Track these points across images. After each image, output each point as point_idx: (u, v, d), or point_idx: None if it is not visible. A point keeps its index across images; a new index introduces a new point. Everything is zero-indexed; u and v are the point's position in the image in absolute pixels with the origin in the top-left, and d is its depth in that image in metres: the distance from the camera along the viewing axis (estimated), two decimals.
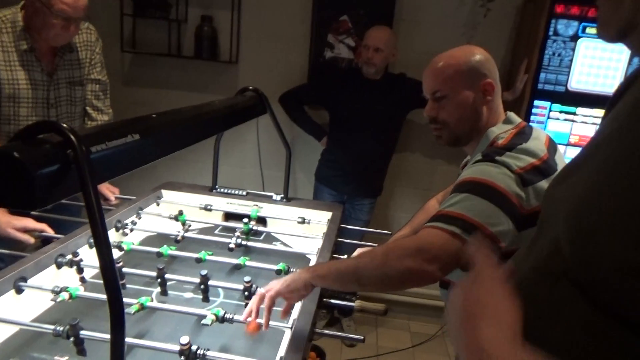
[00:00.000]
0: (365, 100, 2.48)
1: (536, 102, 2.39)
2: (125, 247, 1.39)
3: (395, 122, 2.60)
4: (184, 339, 0.88)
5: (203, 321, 1.00)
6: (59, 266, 1.25)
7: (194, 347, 0.88)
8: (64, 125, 0.67)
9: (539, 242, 0.63)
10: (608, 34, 0.62)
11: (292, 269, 1.32)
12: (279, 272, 1.31)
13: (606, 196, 0.50)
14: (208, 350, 0.90)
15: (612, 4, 0.59)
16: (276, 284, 1.05)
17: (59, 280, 1.24)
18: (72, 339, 0.91)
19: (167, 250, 1.37)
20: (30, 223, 1.47)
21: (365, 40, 2.43)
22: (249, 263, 1.35)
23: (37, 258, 1.21)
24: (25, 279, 1.14)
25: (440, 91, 1.19)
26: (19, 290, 1.13)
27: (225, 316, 1.02)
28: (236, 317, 1.03)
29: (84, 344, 0.93)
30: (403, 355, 2.72)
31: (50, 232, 1.48)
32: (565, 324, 0.54)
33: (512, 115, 1.23)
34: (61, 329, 0.92)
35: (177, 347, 0.88)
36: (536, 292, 0.58)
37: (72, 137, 0.66)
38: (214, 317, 1.01)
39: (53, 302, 1.13)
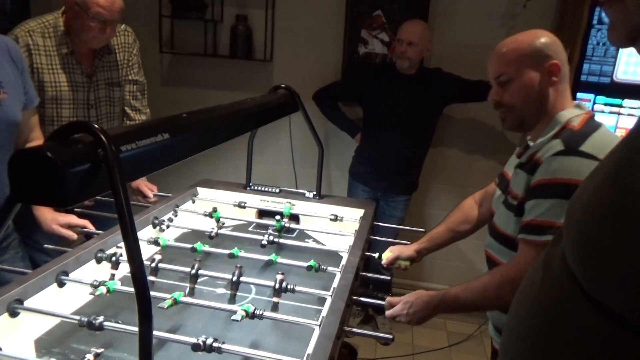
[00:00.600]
0: (400, 96, 2.45)
1: (579, 95, 2.29)
2: (161, 242, 1.42)
3: (431, 118, 2.56)
4: (196, 338, 0.91)
5: (233, 317, 1.01)
6: (98, 261, 1.30)
7: (209, 341, 0.90)
8: (95, 125, 0.70)
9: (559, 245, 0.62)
10: (617, 39, 0.63)
11: (322, 267, 1.32)
12: (309, 269, 1.31)
13: (604, 203, 0.50)
14: (223, 343, 0.92)
15: (619, 10, 0.60)
16: (404, 313, 1.21)
17: (99, 274, 1.29)
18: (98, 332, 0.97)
19: (201, 246, 1.40)
20: (73, 219, 1.53)
21: (399, 34, 2.40)
22: (280, 260, 1.35)
23: (78, 253, 1.26)
24: (66, 273, 1.19)
25: (505, 74, 1.18)
26: (61, 284, 1.18)
27: (255, 312, 1.03)
28: (266, 313, 1.04)
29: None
30: (439, 355, 2.67)
31: (91, 228, 1.53)
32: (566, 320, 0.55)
33: (581, 102, 1.21)
34: (85, 319, 0.98)
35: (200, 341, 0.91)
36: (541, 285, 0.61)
37: (102, 137, 0.68)
38: (243, 313, 1.02)
39: (92, 296, 1.17)
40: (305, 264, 1.32)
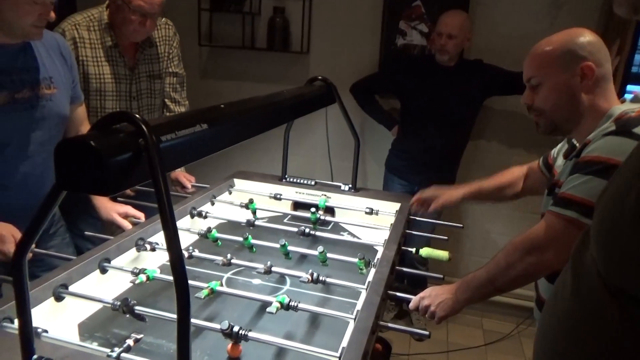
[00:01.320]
0: (439, 88, 2.40)
1: (629, 87, 2.19)
2: (210, 237, 1.44)
3: (470, 111, 2.49)
4: (224, 324, 0.92)
5: (268, 309, 1.02)
6: (139, 249, 1.33)
7: (235, 328, 0.92)
8: (137, 115, 0.71)
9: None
10: (622, 11, 0.63)
11: (372, 262, 1.31)
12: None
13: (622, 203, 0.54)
14: (250, 330, 0.93)
15: None
16: (429, 301, 1.21)
17: (139, 262, 1.32)
18: (128, 315, 1.01)
19: (250, 239, 1.40)
20: (130, 210, 1.58)
21: (438, 27, 2.34)
22: (315, 252, 1.35)
23: (119, 241, 1.30)
24: (108, 260, 1.23)
25: (534, 77, 1.16)
26: (103, 270, 1.21)
27: (290, 304, 1.03)
28: (300, 305, 1.04)
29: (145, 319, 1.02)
30: (474, 353, 2.62)
31: (143, 219, 1.57)
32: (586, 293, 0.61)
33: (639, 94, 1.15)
34: (118, 303, 1.02)
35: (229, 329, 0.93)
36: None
37: (143, 126, 0.69)
38: (278, 305, 1.03)
39: (132, 283, 1.20)
40: (342, 257, 1.32)
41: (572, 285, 0.65)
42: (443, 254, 1.48)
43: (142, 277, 1.17)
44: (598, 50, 1.11)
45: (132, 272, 1.18)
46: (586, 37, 1.12)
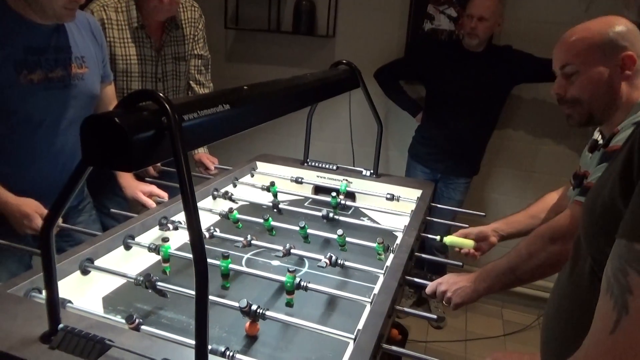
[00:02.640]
0: (466, 75, 2.36)
1: None
2: (231, 218, 1.45)
3: (498, 98, 2.44)
4: (243, 303, 0.94)
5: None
6: (162, 228, 1.36)
7: (254, 307, 0.94)
8: (160, 94, 0.72)
9: None
10: (632, 14, 0.62)
11: (390, 248, 1.31)
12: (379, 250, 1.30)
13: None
14: (267, 310, 0.95)
15: None
16: (446, 286, 1.21)
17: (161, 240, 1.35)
18: (150, 290, 1.04)
19: (270, 221, 1.41)
20: (155, 189, 1.61)
21: (469, 9, 2.29)
22: (334, 236, 1.36)
23: (143, 219, 1.33)
24: (132, 237, 1.26)
25: (571, 65, 1.11)
26: (127, 247, 1.25)
27: (300, 284, 1.05)
28: (314, 286, 1.05)
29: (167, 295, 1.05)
30: (493, 343, 2.61)
31: (166, 199, 1.60)
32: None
33: None
34: (141, 279, 1.04)
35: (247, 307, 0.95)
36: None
37: (166, 105, 0.70)
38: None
39: (158, 258, 1.23)
40: (361, 242, 1.32)
41: (570, 267, 0.67)
42: (469, 243, 1.47)
43: (168, 266, 1.19)
44: (637, 39, 1.08)
45: (149, 248, 1.21)
46: (626, 26, 1.08)
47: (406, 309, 1.12)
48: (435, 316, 1.09)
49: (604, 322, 0.47)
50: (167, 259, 1.18)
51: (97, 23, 1.54)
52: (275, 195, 1.70)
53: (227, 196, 1.63)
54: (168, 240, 1.20)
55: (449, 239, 1.48)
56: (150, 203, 1.55)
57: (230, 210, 1.47)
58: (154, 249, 1.19)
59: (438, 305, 2.83)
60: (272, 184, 1.73)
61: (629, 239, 0.46)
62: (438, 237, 1.48)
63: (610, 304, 0.46)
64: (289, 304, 1.07)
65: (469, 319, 2.78)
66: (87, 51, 1.44)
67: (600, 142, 1.15)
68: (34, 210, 1.29)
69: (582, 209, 0.67)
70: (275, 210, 1.56)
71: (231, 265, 1.15)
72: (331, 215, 1.49)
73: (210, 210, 1.51)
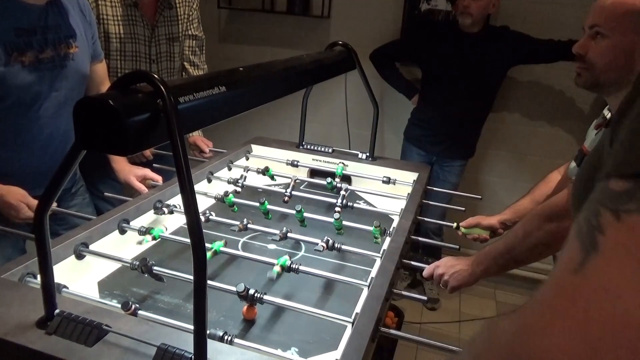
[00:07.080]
0: (462, 56, 2.33)
1: None
2: (227, 201, 1.44)
3: (494, 80, 2.42)
4: (240, 287, 0.94)
5: (269, 274, 1.03)
6: (157, 211, 1.35)
7: (251, 291, 0.94)
8: (155, 76, 0.70)
9: None
10: None
11: (387, 231, 1.31)
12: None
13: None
14: (265, 294, 0.95)
15: None
16: (443, 269, 1.21)
17: (157, 224, 1.34)
18: (146, 274, 1.03)
19: (267, 204, 1.40)
20: (149, 173, 1.59)
21: None
22: (331, 220, 1.35)
23: (138, 202, 1.32)
24: (127, 221, 1.25)
25: (601, 27, 1.07)
26: (122, 231, 1.23)
27: (292, 266, 1.05)
28: (302, 267, 1.05)
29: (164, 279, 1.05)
30: None
31: (161, 183, 1.59)
32: None
33: None
34: (137, 263, 1.04)
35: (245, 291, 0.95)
36: None
37: (161, 87, 0.69)
38: (279, 270, 1.04)
39: (154, 242, 1.22)
40: (356, 225, 1.32)
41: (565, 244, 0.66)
42: (485, 232, 1.48)
43: (148, 238, 1.19)
44: None
45: (139, 231, 1.20)
46: None
47: (405, 292, 1.12)
48: (425, 298, 1.10)
49: (567, 264, 0.38)
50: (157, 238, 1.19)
51: (85, 0, 1.50)
52: (272, 178, 1.69)
53: (237, 182, 1.60)
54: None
55: (465, 229, 1.49)
56: (143, 188, 1.54)
57: (226, 193, 1.45)
58: (144, 232, 1.19)
59: (432, 287, 2.85)
60: (267, 168, 1.71)
61: (605, 178, 0.41)
62: (454, 224, 1.49)
63: (577, 245, 0.39)
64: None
65: (463, 301, 2.81)
66: (76, 30, 1.40)
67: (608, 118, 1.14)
68: (18, 200, 1.27)
69: (574, 180, 0.65)
70: (285, 202, 1.52)
71: (227, 249, 1.15)
72: (336, 183, 1.53)
73: (205, 194, 1.50)
